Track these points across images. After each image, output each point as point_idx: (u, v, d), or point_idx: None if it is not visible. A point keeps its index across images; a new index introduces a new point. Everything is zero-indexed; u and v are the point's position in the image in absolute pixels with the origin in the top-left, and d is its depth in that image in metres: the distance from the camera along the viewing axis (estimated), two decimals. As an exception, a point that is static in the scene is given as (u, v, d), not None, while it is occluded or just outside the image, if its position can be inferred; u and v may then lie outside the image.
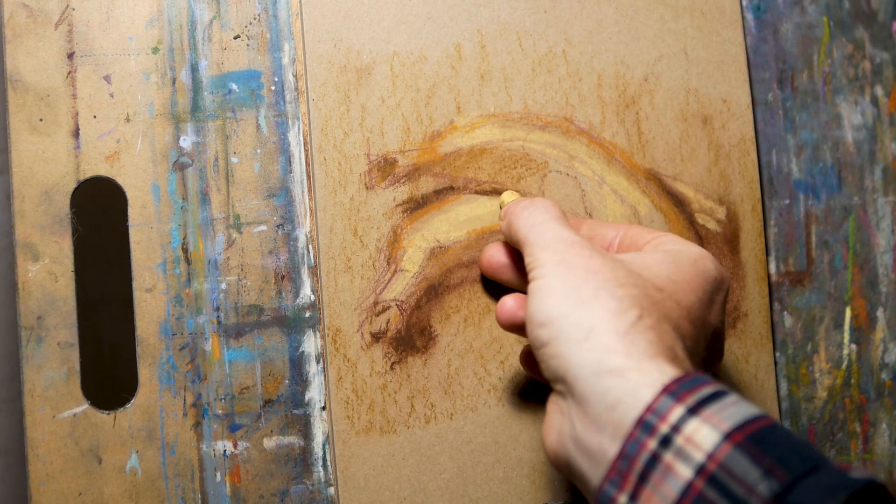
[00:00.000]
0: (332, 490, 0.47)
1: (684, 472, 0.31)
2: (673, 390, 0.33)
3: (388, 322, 0.47)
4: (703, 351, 0.40)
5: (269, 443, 0.47)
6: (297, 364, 0.47)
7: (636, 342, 0.35)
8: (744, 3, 0.53)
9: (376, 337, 0.47)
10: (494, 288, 0.48)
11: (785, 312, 0.53)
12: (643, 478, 0.32)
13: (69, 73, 0.46)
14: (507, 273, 0.46)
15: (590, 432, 0.35)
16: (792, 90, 0.54)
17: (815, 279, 0.53)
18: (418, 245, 0.48)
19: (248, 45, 0.48)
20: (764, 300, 0.52)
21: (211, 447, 0.46)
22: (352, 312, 0.47)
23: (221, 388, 0.46)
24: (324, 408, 0.47)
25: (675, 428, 0.32)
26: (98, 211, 0.49)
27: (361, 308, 0.47)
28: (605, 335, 0.35)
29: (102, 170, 0.46)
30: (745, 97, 0.52)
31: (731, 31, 0.52)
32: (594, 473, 0.35)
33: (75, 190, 0.46)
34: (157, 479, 0.45)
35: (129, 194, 0.46)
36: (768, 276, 0.52)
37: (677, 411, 0.32)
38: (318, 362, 0.47)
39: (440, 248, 0.48)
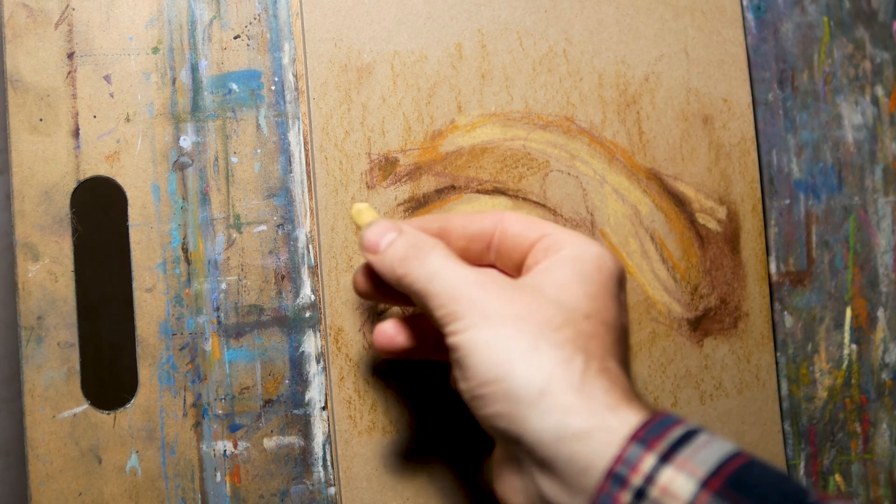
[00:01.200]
0: (332, 490, 0.47)
1: None
2: (642, 437, 0.32)
3: (389, 321, 0.47)
4: (629, 358, 0.39)
5: (270, 443, 0.47)
6: (298, 364, 0.47)
7: (593, 394, 0.33)
8: (744, 3, 0.53)
9: (378, 336, 0.47)
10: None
11: (785, 312, 0.53)
12: None
13: (69, 73, 0.46)
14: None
15: (563, 495, 0.33)
16: (792, 90, 0.54)
17: (815, 279, 0.53)
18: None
19: (248, 45, 0.48)
20: (764, 300, 0.52)
21: (211, 447, 0.46)
22: (354, 312, 0.47)
23: (221, 388, 0.46)
24: (324, 408, 0.47)
25: (649, 479, 0.31)
26: (98, 211, 0.49)
27: (363, 308, 0.47)
28: (560, 395, 0.33)
29: (102, 170, 0.46)
30: (745, 97, 0.52)
31: (732, 30, 0.52)
32: None
33: (75, 190, 0.46)
34: (157, 479, 0.45)
35: (129, 194, 0.46)
36: (769, 275, 0.52)
37: (649, 460, 0.31)
38: (318, 362, 0.47)
39: (441, 247, 0.48)
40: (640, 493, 0.31)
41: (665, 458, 0.31)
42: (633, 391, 0.34)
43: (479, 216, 0.41)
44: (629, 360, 0.39)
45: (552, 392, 0.33)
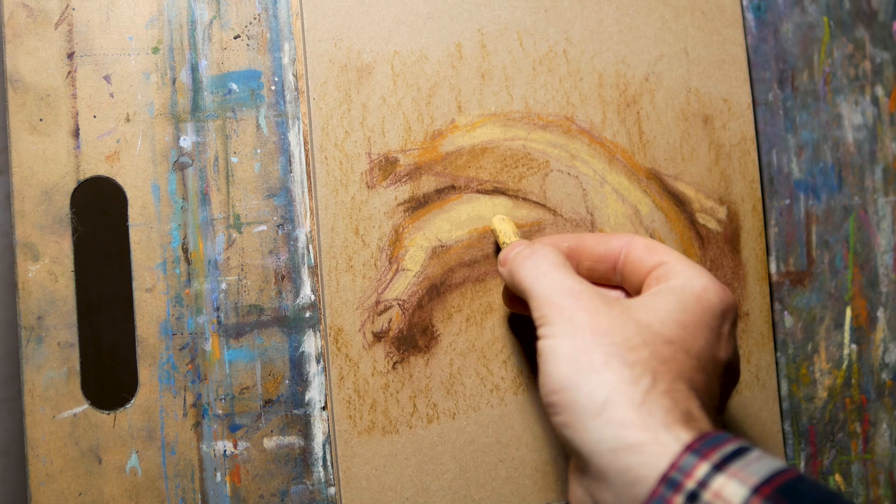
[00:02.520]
0: (332, 490, 0.47)
1: None
2: (696, 448, 0.33)
3: (389, 321, 0.47)
4: (718, 388, 0.39)
5: (270, 443, 0.47)
6: (298, 364, 0.47)
7: (652, 412, 0.34)
8: (744, 3, 0.53)
9: (378, 336, 0.47)
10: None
11: (785, 312, 0.53)
12: None
13: (69, 73, 0.46)
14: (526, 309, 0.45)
15: None
16: (792, 90, 0.54)
17: (815, 279, 0.53)
18: (420, 244, 0.48)
19: (248, 45, 0.48)
20: (765, 300, 0.52)
21: (211, 447, 0.46)
22: (353, 312, 0.47)
23: (221, 388, 0.46)
24: (324, 408, 0.47)
25: (702, 484, 0.32)
26: (98, 211, 0.49)
27: (363, 307, 0.47)
28: (619, 409, 0.34)
29: (102, 170, 0.46)
30: (745, 97, 0.52)
31: (732, 30, 0.52)
32: None
33: (75, 190, 0.46)
34: (157, 479, 0.45)
35: (129, 194, 0.46)
36: (769, 275, 0.52)
37: (703, 468, 0.32)
38: (318, 362, 0.47)
39: (442, 247, 0.48)
40: (693, 496, 0.32)
41: (718, 467, 0.32)
42: (695, 416, 0.35)
43: (609, 237, 0.44)
44: (716, 391, 0.39)
45: (613, 406, 0.34)
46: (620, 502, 0.34)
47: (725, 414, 0.51)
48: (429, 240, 0.48)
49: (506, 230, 0.47)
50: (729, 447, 0.33)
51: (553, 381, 0.36)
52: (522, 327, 0.48)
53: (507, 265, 0.43)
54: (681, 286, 0.40)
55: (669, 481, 0.32)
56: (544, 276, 0.40)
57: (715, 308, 0.39)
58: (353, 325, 0.47)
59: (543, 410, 0.38)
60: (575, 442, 0.35)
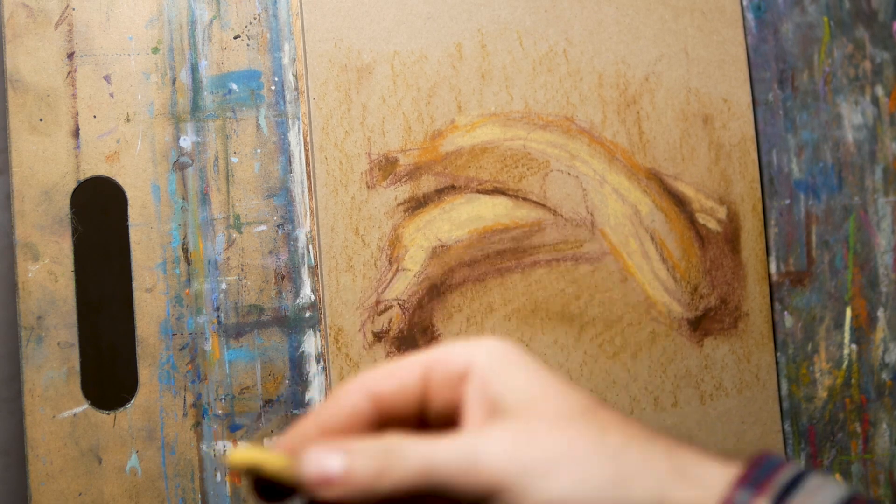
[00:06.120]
0: (332, 490, 0.47)
1: None
2: (750, 481, 0.28)
3: (390, 321, 0.47)
4: None
5: (270, 443, 0.46)
6: (298, 364, 0.47)
7: (682, 467, 0.28)
8: (744, 3, 0.53)
9: (378, 336, 0.47)
10: None
11: (785, 312, 0.53)
12: None
13: (69, 73, 0.46)
14: None
15: None
16: (792, 90, 0.54)
17: (815, 279, 0.53)
18: (420, 244, 0.48)
19: (248, 45, 0.48)
20: (765, 300, 0.52)
21: (211, 447, 0.46)
22: (354, 312, 0.47)
23: (221, 388, 0.46)
24: (324, 408, 0.47)
25: None
26: (98, 211, 0.49)
27: (363, 307, 0.47)
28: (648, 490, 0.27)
29: (102, 170, 0.46)
30: (745, 97, 0.52)
31: (732, 30, 0.52)
32: None
33: (75, 190, 0.46)
34: (157, 479, 0.45)
35: (129, 194, 0.46)
36: (769, 275, 0.52)
37: None
38: (318, 362, 0.47)
39: (442, 247, 0.48)
40: None
41: (778, 502, 0.28)
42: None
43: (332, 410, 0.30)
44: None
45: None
46: None
47: (720, 416, 0.51)
48: (429, 240, 0.48)
49: (265, 458, 0.27)
50: (783, 475, 0.28)
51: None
52: (521, 325, 0.48)
53: (357, 481, 0.27)
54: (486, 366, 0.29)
55: None
56: (434, 452, 0.27)
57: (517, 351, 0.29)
58: (354, 324, 0.47)
59: None
60: None
